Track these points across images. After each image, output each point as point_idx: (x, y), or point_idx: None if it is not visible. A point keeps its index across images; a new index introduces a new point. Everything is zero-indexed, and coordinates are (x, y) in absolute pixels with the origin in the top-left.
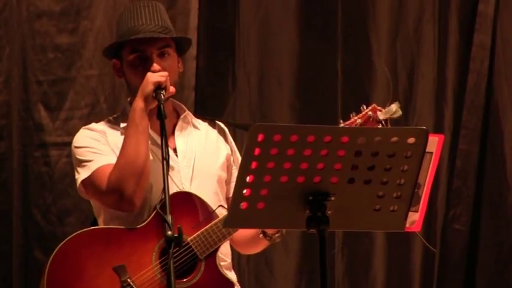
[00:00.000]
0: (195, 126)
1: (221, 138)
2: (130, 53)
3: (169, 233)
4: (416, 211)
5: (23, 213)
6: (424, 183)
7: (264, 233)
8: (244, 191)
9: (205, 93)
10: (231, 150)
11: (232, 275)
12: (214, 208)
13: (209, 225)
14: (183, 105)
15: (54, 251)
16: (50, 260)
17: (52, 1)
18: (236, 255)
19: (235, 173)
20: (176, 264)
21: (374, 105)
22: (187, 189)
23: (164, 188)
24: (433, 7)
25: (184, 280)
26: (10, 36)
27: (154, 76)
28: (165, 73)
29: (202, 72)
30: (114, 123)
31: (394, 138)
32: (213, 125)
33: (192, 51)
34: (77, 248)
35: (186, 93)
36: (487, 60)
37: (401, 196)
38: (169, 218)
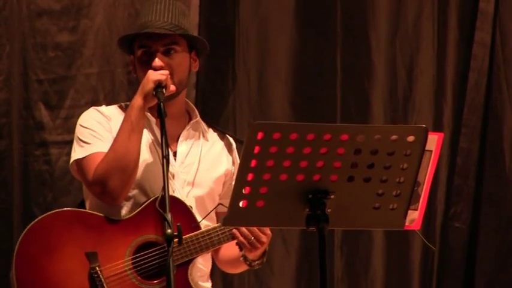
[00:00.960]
0: (204, 136)
1: (225, 151)
2: (138, 48)
3: (169, 231)
4: (416, 209)
5: (23, 212)
6: (423, 181)
7: (245, 258)
8: (244, 189)
9: (205, 91)
10: (233, 164)
11: (207, 285)
12: (200, 218)
13: (189, 235)
14: (196, 110)
15: (32, 222)
16: (25, 230)
17: None
18: None
19: (230, 187)
20: (148, 264)
21: None
22: (178, 194)
23: (164, 186)
24: (432, 4)
25: (154, 282)
26: (10, 35)
27: (155, 74)
28: (166, 71)
29: (201, 71)
30: (123, 112)
31: (394, 136)
32: (221, 136)
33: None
34: (54, 224)
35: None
36: (488, 58)
37: (400, 194)
38: (169, 216)
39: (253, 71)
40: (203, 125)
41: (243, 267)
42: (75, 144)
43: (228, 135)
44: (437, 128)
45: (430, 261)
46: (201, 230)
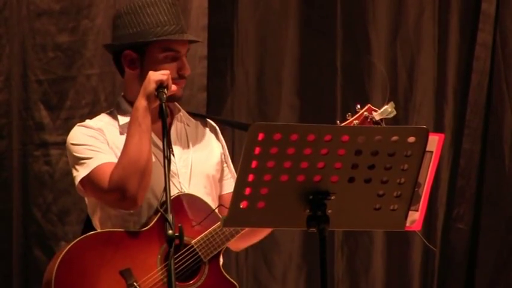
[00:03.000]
0: (187, 124)
1: (213, 136)
2: (163, 51)
3: (170, 232)
4: (417, 210)
5: (23, 212)
6: (424, 182)
7: None
8: (245, 190)
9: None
10: (222, 147)
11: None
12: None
13: (212, 227)
14: (177, 104)
15: (63, 252)
16: (57, 263)
17: (52, 0)
18: (234, 255)
19: (226, 169)
20: (181, 267)
21: (369, 105)
22: (186, 190)
23: (165, 187)
24: (433, 5)
25: (190, 283)
26: (10, 35)
27: (156, 75)
28: (167, 72)
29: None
30: (111, 120)
31: (395, 137)
32: (204, 123)
33: (203, 50)
34: (82, 251)
35: (196, 93)
36: (489, 60)
37: (401, 195)
38: (170, 217)
39: (252, 72)
40: (186, 115)
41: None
42: (74, 165)
43: (208, 120)
44: (438, 129)
45: (431, 262)
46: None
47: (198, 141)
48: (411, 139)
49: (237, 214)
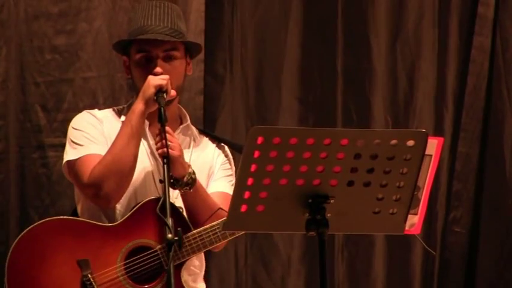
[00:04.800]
0: (194, 141)
1: (220, 159)
2: (137, 52)
3: (170, 236)
4: (416, 214)
5: (20, 215)
6: (423, 185)
7: (173, 182)
8: (244, 194)
9: (203, 95)
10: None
11: (201, 286)
12: (212, 212)
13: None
14: (187, 115)
15: (22, 233)
16: (16, 241)
17: (50, 2)
18: (233, 259)
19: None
20: (140, 269)
21: None
22: (172, 196)
23: (164, 191)
24: (433, 9)
25: (145, 286)
26: (7, 37)
27: (156, 79)
28: (167, 76)
29: (199, 75)
30: (116, 115)
31: (394, 141)
32: (215, 144)
33: (200, 54)
34: (44, 234)
35: (193, 96)
36: (487, 63)
37: (400, 199)
38: (169, 221)
39: (251, 75)
40: (194, 130)
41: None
42: (67, 146)
43: (222, 143)
44: (438, 133)
45: (431, 265)
46: (192, 232)
47: (197, 157)
48: (410, 143)
49: (236, 218)
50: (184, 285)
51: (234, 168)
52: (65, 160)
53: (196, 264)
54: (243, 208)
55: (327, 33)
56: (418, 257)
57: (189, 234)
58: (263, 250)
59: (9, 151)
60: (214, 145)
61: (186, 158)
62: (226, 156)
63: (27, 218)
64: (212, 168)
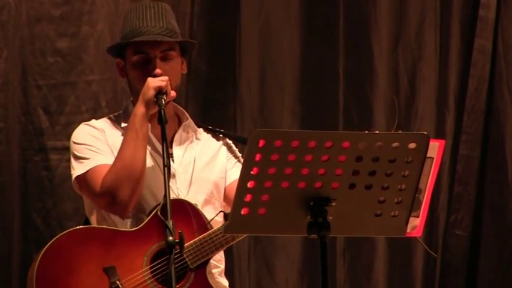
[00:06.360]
0: (196, 137)
1: (224, 148)
2: (134, 54)
3: (171, 238)
4: (417, 216)
5: (22, 218)
6: (425, 188)
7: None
8: (245, 197)
9: (206, 99)
10: (233, 154)
11: (224, 281)
12: (211, 217)
13: (203, 235)
14: (185, 112)
15: (47, 245)
16: (42, 253)
17: (52, 5)
18: (237, 261)
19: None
20: (165, 271)
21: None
22: (183, 195)
23: (165, 194)
24: (435, 12)
25: None
26: (8, 40)
27: (155, 81)
28: (166, 78)
29: (202, 78)
30: (115, 122)
31: (395, 144)
32: (215, 137)
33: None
34: (69, 244)
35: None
36: (488, 65)
37: (402, 201)
38: (170, 223)
39: (254, 79)
40: (194, 126)
41: None
42: (73, 162)
43: (221, 135)
44: (439, 135)
45: (432, 268)
46: (213, 229)
47: (203, 151)
48: (412, 145)
49: (238, 221)
50: (210, 282)
51: (237, 150)
52: (73, 176)
53: (218, 259)
54: (245, 211)
55: (329, 37)
56: (419, 260)
57: (211, 231)
58: (266, 253)
59: (11, 154)
60: (220, 142)
61: (193, 152)
62: (226, 144)
63: (30, 221)
64: (220, 157)
